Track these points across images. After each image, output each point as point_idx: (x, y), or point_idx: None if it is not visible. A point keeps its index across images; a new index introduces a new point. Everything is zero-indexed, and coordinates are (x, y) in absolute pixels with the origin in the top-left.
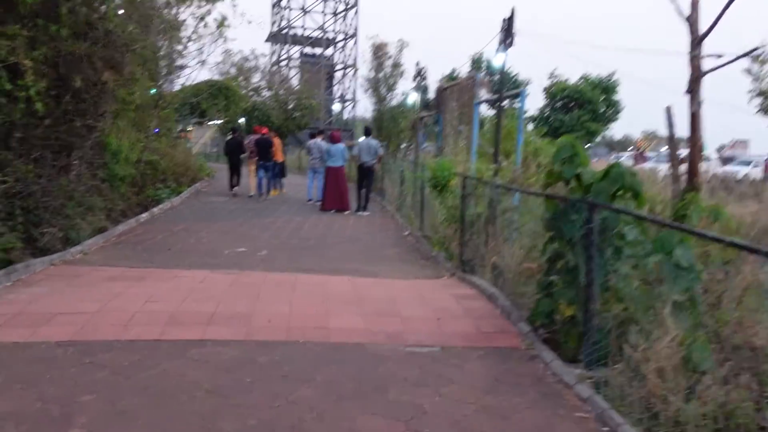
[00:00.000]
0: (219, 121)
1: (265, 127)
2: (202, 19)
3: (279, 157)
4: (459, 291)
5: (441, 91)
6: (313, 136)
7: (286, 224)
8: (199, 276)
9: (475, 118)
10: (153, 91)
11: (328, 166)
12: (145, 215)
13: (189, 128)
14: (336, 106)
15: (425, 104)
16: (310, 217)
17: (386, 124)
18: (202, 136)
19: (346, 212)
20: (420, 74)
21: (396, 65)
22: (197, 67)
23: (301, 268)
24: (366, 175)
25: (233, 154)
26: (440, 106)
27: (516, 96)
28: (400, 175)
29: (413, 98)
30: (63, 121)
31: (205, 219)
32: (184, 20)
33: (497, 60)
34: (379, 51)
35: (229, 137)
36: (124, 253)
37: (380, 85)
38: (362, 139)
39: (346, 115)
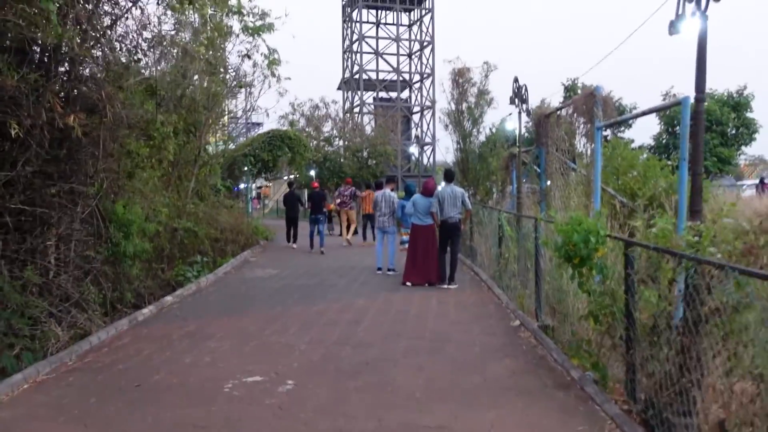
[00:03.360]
0: (291, 176)
1: (316, 182)
2: (248, 56)
3: (369, 209)
4: None
5: (543, 118)
6: (379, 186)
7: (341, 314)
8: None
9: (598, 147)
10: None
11: (414, 225)
12: (147, 310)
13: (267, 184)
14: (413, 150)
15: (521, 137)
16: (377, 297)
17: (472, 165)
18: (277, 192)
19: (426, 285)
20: (519, 95)
21: (482, 93)
22: (247, 114)
23: (343, 427)
24: (450, 233)
25: (291, 208)
26: (542, 138)
27: (667, 108)
28: (498, 231)
29: (512, 126)
30: (23, 189)
31: (231, 310)
32: (226, 60)
33: (688, 26)
34: (460, 77)
35: (286, 191)
36: (62, 399)
37: (463, 118)
38: (442, 186)
39: (425, 161)
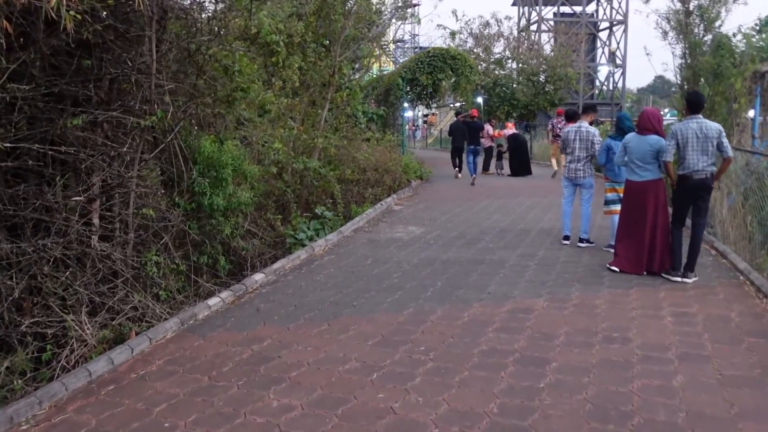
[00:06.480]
0: (456, 103)
1: (475, 110)
2: None
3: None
4: None
5: None
6: (572, 117)
7: (507, 335)
8: None
9: None
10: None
11: (629, 181)
12: (219, 298)
13: (434, 112)
14: (602, 71)
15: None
16: (567, 297)
17: (703, 87)
18: (442, 120)
19: (644, 274)
20: None
21: None
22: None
23: None
24: (696, 196)
25: (456, 138)
26: None
27: None
28: None
29: None
30: (25, 119)
31: (337, 307)
32: None
33: None
34: None
35: (452, 121)
36: None
37: (692, 22)
38: (682, 121)
39: (611, 85)
